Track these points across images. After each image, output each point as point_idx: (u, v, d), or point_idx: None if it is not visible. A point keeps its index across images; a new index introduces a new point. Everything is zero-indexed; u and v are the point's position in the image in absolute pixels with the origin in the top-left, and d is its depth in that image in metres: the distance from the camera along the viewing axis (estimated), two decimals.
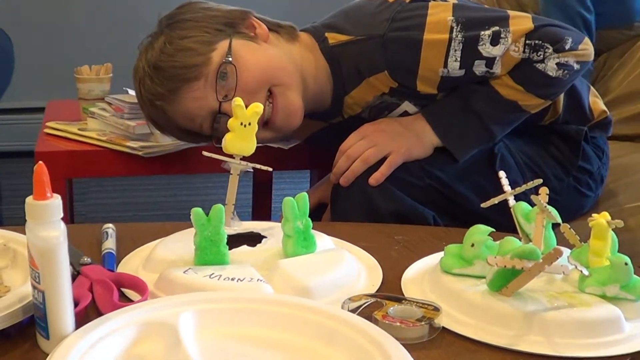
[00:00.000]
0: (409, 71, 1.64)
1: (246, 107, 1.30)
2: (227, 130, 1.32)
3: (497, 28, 1.60)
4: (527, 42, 1.60)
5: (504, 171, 1.66)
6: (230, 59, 1.60)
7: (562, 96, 1.78)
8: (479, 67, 1.62)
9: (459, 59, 1.61)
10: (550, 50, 1.60)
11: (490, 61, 1.61)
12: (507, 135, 1.74)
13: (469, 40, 1.60)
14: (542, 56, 1.61)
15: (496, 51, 1.60)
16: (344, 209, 1.63)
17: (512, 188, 1.58)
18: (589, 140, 1.84)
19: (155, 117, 1.70)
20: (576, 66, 1.63)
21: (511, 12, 1.64)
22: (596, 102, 1.88)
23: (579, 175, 1.82)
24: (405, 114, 1.71)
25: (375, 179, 1.58)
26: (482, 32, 1.60)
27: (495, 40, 1.60)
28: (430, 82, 1.65)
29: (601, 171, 1.87)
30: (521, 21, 1.62)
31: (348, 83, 1.71)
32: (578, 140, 1.81)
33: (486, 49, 1.60)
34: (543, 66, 1.61)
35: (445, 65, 1.61)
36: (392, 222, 1.55)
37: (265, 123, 1.65)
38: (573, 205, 1.81)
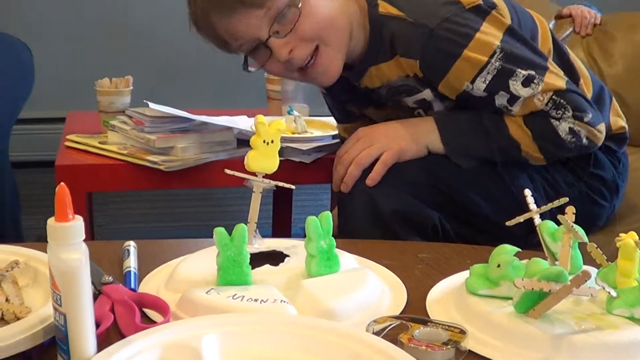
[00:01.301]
0: (437, 72, 1.65)
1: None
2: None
3: (533, 72, 1.62)
4: (553, 97, 1.62)
5: (510, 176, 1.68)
6: (299, 4, 1.61)
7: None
8: (501, 99, 1.63)
9: (487, 81, 1.61)
10: (570, 114, 1.63)
11: (513, 98, 1.63)
12: None
13: (504, 71, 1.61)
14: (560, 115, 1.63)
15: (523, 92, 1.62)
16: (349, 212, 1.64)
17: (520, 194, 1.58)
18: (603, 147, 1.83)
19: (198, 20, 1.76)
20: (585, 141, 1.66)
21: (551, 65, 1.66)
22: (617, 120, 1.88)
23: (591, 182, 1.82)
24: (423, 101, 1.71)
25: (372, 179, 1.61)
26: (519, 70, 1.61)
27: (527, 82, 1.61)
28: (452, 89, 1.66)
29: (617, 180, 1.86)
30: (556, 78, 1.64)
31: (381, 54, 1.71)
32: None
33: (516, 86, 1.61)
34: (557, 124, 1.64)
35: (473, 82, 1.62)
36: (396, 223, 1.56)
37: (300, 68, 1.68)
38: (587, 214, 1.79)
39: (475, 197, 1.66)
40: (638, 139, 2.50)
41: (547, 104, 1.62)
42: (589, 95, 1.83)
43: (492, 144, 1.66)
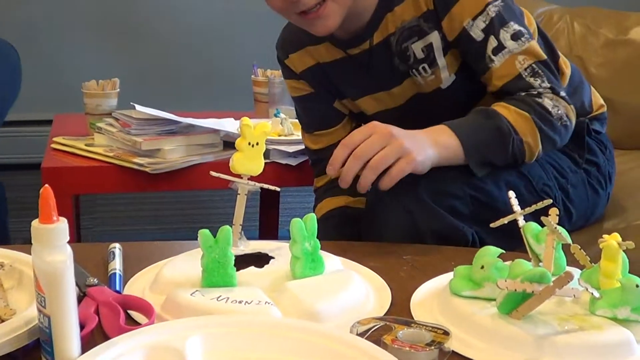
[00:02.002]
0: (447, 2, 1.67)
1: None
2: None
3: (524, 32, 1.66)
4: (533, 64, 1.64)
5: (528, 169, 1.67)
6: None
7: (561, 82, 1.81)
8: (490, 45, 1.65)
9: (486, 23, 1.64)
10: (547, 85, 1.64)
11: (499, 48, 1.65)
12: None
13: (499, 18, 1.65)
14: (538, 84, 1.64)
15: (510, 44, 1.64)
16: (385, 229, 1.57)
17: (539, 183, 1.57)
18: (591, 134, 1.87)
19: None
20: (566, 118, 1.65)
21: (536, 38, 1.70)
22: (596, 95, 1.93)
23: (588, 168, 1.84)
24: (430, 47, 1.70)
25: (385, 185, 1.46)
26: (511, 22, 1.65)
27: (515, 37, 1.64)
28: (454, 27, 1.67)
29: (607, 167, 1.89)
30: (540, 49, 1.67)
31: None
32: (582, 134, 1.84)
33: (505, 35, 1.64)
34: (540, 100, 1.63)
35: (474, 19, 1.65)
36: (432, 242, 1.54)
37: (301, 12, 1.65)
38: (588, 202, 1.82)
39: (502, 194, 1.64)
40: (626, 143, 2.51)
41: (526, 69, 1.63)
42: (568, 73, 1.88)
43: (508, 146, 1.60)
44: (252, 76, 2.65)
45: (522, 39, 1.65)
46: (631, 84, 2.63)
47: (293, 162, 2.12)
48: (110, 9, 3.73)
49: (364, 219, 1.64)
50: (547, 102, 1.62)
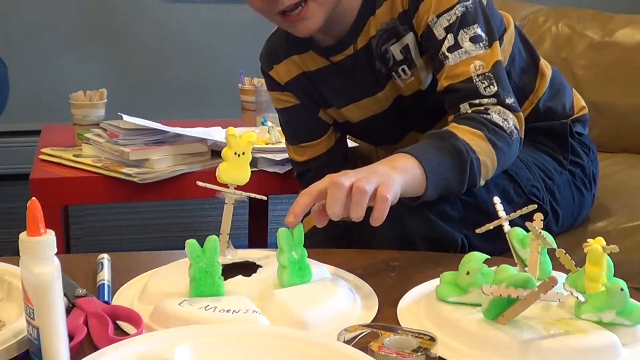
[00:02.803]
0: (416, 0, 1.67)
1: None
2: None
3: (484, 37, 1.64)
4: (487, 72, 1.62)
5: (516, 170, 1.67)
6: None
7: (542, 84, 1.84)
8: (448, 42, 1.64)
9: (449, 22, 1.64)
10: (495, 89, 1.61)
11: (455, 47, 1.63)
12: None
13: (463, 19, 1.64)
14: (483, 90, 1.62)
15: (467, 46, 1.63)
16: (375, 234, 1.56)
17: (527, 185, 1.57)
18: (574, 135, 1.87)
19: None
20: (515, 132, 1.61)
21: (497, 45, 1.67)
22: (577, 97, 1.93)
23: (573, 170, 1.85)
24: (407, 48, 1.71)
25: (377, 219, 1.31)
26: (475, 26, 1.64)
27: (474, 40, 1.63)
28: (419, 25, 1.67)
29: (591, 168, 1.90)
30: (499, 53, 1.66)
31: (377, 0, 1.72)
32: (564, 135, 1.85)
33: (464, 37, 1.63)
34: (488, 117, 1.59)
35: (439, 16, 1.64)
36: (422, 247, 1.55)
37: (282, 12, 1.64)
38: (574, 203, 1.82)
39: (491, 196, 1.64)
40: (608, 145, 2.52)
41: (478, 75, 1.62)
42: (549, 74, 1.88)
43: (466, 165, 1.53)
44: (239, 84, 2.65)
45: (481, 44, 1.63)
46: (616, 87, 2.64)
47: (280, 170, 2.13)
48: (98, 20, 3.74)
49: (355, 227, 1.63)
50: (496, 118, 1.59)
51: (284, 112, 1.96)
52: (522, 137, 1.65)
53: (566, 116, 1.89)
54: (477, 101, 1.61)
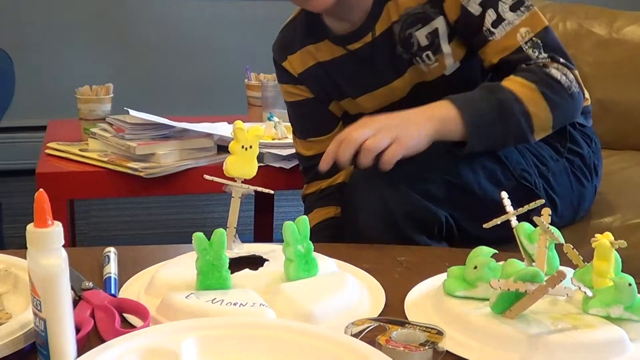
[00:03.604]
0: None
1: None
2: None
3: (524, 1, 1.65)
4: (533, 37, 1.64)
5: (506, 153, 1.67)
6: None
7: None
8: (488, 19, 1.65)
9: None
10: (544, 55, 1.63)
11: (499, 20, 1.64)
12: None
13: None
14: (536, 57, 1.64)
15: (509, 15, 1.64)
16: (359, 212, 1.60)
17: (516, 169, 1.57)
18: (575, 125, 1.86)
19: None
20: (575, 85, 1.64)
21: (537, 11, 1.68)
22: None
23: (571, 158, 1.83)
24: (435, 32, 1.70)
25: (382, 168, 1.49)
26: None
27: (514, 7, 1.64)
28: (453, 8, 1.67)
29: (592, 159, 1.88)
30: (541, 17, 1.67)
31: None
32: None
33: (504, 7, 1.64)
34: (547, 70, 1.62)
35: None
36: (408, 226, 1.55)
37: None
38: (573, 192, 1.81)
39: (483, 182, 1.65)
40: (614, 143, 2.51)
41: (526, 42, 1.64)
42: None
43: (511, 117, 1.59)
44: (246, 80, 2.65)
45: (522, 8, 1.64)
46: (623, 84, 2.63)
47: (286, 165, 2.13)
48: (104, 15, 3.74)
49: (343, 205, 1.67)
50: (554, 72, 1.62)
51: (294, 106, 1.96)
52: (584, 93, 1.67)
53: None
54: (532, 62, 1.64)
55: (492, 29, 1.64)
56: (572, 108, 1.67)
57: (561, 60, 1.65)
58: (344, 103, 1.88)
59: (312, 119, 1.94)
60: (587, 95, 1.93)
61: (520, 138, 1.63)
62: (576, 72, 1.66)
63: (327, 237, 1.75)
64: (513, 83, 1.60)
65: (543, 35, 1.66)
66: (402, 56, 1.74)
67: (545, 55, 1.64)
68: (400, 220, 1.55)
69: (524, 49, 1.64)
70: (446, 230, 1.62)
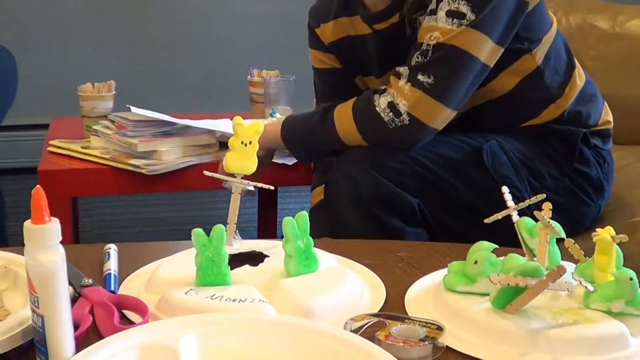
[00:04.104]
0: None
1: None
2: None
3: (467, 17, 1.61)
4: (436, 45, 1.63)
5: (495, 166, 1.67)
6: None
7: (571, 92, 1.82)
8: (431, 6, 1.65)
9: None
10: (415, 62, 1.63)
11: (432, 12, 1.64)
12: (500, 133, 1.77)
13: None
14: (412, 62, 1.64)
15: (440, 15, 1.62)
16: (333, 195, 1.68)
17: (504, 183, 1.57)
18: (590, 145, 1.84)
19: None
20: (405, 117, 1.63)
21: (479, 36, 1.63)
22: (607, 112, 1.90)
23: (575, 178, 1.82)
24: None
25: None
26: (464, 3, 1.61)
27: (450, 14, 1.61)
28: None
29: (602, 180, 1.86)
30: (466, 41, 1.62)
31: None
32: (575, 142, 1.81)
33: (444, 7, 1.62)
34: (376, 97, 1.66)
35: None
36: (377, 208, 1.59)
37: None
38: (573, 211, 1.80)
39: (455, 182, 1.67)
40: (622, 137, 2.50)
41: (427, 45, 1.63)
42: (580, 85, 1.85)
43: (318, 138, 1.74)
44: (248, 77, 2.64)
45: (455, 19, 1.60)
46: (626, 78, 2.63)
47: (289, 161, 2.12)
48: (106, 12, 3.73)
49: (325, 192, 1.76)
50: (382, 103, 1.64)
51: (320, 73, 2.00)
52: (423, 118, 1.63)
53: (587, 126, 1.85)
54: (401, 69, 1.65)
55: (426, 15, 1.65)
56: (390, 139, 1.66)
57: (418, 77, 1.62)
58: (368, 80, 1.89)
59: (336, 88, 1.97)
60: (610, 118, 1.91)
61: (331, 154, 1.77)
62: (423, 96, 1.63)
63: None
64: (342, 110, 1.71)
65: (444, 51, 1.62)
66: (411, 38, 1.74)
67: (415, 63, 1.64)
68: (372, 203, 1.60)
69: (420, 48, 1.63)
70: (422, 216, 1.64)
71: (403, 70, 1.63)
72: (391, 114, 1.62)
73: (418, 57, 1.63)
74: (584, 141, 1.82)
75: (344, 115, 1.68)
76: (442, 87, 1.62)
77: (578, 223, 1.82)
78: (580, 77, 1.86)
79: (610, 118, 1.91)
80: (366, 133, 1.66)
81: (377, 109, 1.64)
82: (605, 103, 1.94)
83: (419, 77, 1.61)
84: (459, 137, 1.74)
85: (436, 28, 1.62)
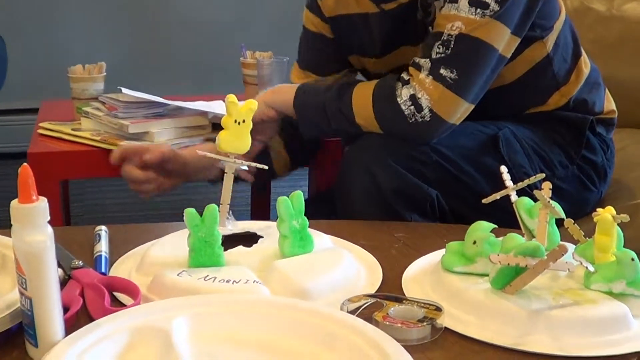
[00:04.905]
0: None
1: None
2: None
3: (490, 7, 1.56)
4: (458, 35, 1.57)
5: (510, 154, 1.65)
6: None
7: (577, 80, 1.79)
8: None
9: None
10: (438, 56, 1.58)
11: (453, 0, 1.58)
12: (511, 122, 1.74)
13: None
14: (433, 54, 1.59)
15: (462, 4, 1.57)
16: (348, 189, 1.61)
17: (519, 171, 1.55)
18: (596, 132, 1.83)
19: None
20: (426, 113, 1.58)
21: (500, 26, 1.59)
22: (609, 100, 1.88)
23: (582, 165, 1.80)
24: None
25: None
26: None
27: (473, 3, 1.56)
28: None
29: (605, 167, 1.85)
30: (488, 33, 1.58)
31: None
32: (582, 129, 1.79)
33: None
34: (399, 85, 1.60)
35: None
36: (396, 202, 1.54)
37: None
38: (577, 197, 1.78)
39: (472, 172, 1.64)
40: (619, 120, 2.48)
41: (449, 35, 1.58)
42: (586, 72, 1.83)
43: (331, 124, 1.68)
44: (241, 58, 2.62)
45: (479, 9, 1.56)
46: (623, 60, 2.61)
47: None
48: None
49: (336, 183, 1.67)
50: (404, 93, 1.58)
51: (311, 37, 1.95)
52: (438, 116, 1.59)
53: (592, 113, 1.83)
54: (421, 60, 1.59)
55: (447, 2, 1.59)
56: (408, 133, 1.60)
57: (441, 71, 1.58)
58: (366, 61, 1.87)
59: (321, 57, 1.93)
60: (613, 107, 1.89)
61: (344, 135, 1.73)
62: (456, 99, 1.58)
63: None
64: (361, 92, 1.64)
65: (467, 43, 1.57)
66: (422, 21, 1.70)
67: (438, 57, 1.58)
68: (389, 196, 1.55)
69: (441, 38, 1.58)
70: (440, 209, 1.61)
71: (424, 62, 1.59)
72: (412, 107, 1.58)
73: (439, 48, 1.58)
74: (590, 129, 1.81)
75: (363, 98, 1.63)
76: (465, 82, 1.58)
77: (580, 209, 1.80)
78: (586, 65, 1.84)
79: (614, 107, 1.90)
80: (384, 122, 1.61)
81: (399, 99, 1.58)
82: (607, 91, 1.92)
83: (442, 71, 1.57)
84: (473, 125, 1.71)
85: (458, 17, 1.58)
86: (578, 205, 1.78)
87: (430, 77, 1.56)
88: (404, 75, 1.60)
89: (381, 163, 1.55)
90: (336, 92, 1.66)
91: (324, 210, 1.73)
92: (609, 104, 1.90)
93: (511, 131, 1.71)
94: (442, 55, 1.57)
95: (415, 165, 1.57)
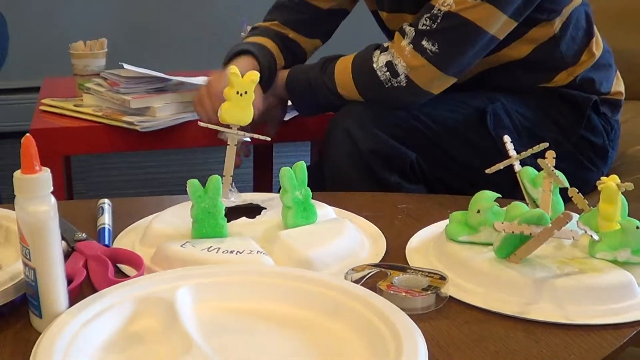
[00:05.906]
0: None
1: None
2: None
3: None
4: (444, 10, 1.58)
5: (497, 130, 1.65)
6: None
7: (586, 61, 1.78)
8: None
9: None
10: (423, 28, 1.59)
11: None
12: (506, 95, 1.74)
13: None
14: (419, 24, 1.60)
15: None
16: (330, 149, 1.66)
17: (505, 147, 1.55)
18: (600, 112, 1.81)
19: None
20: (402, 79, 1.62)
21: (495, 11, 1.58)
22: (619, 83, 1.87)
23: (580, 145, 1.79)
24: None
25: None
26: None
27: None
28: None
29: (607, 147, 1.83)
30: (479, 15, 1.58)
31: None
32: (584, 108, 1.78)
33: None
34: (375, 59, 1.64)
35: None
36: (373, 162, 1.58)
37: None
38: (575, 177, 1.77)
39: (455, 142, 1.65)
40: (626, 92, 2.47)
41: (438, 9, 1.59)
42: (597, 55, 1.81)
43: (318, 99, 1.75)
44: (242, 33, 2.61)
45: None
46: (626, 32, 2.59)
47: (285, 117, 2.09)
48: None
49: (322, 150, 1.74)
50: (382, 60, 1.63)
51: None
52: (420, 83, 1.62)
53: (598, 93, 1.82)
54: (407, 27, 1.62)
55: None
56: (384, 97, 1.65)
57: (422, 42, 1.59)
58: (382, 14, 1.86)
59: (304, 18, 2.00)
60: (621, 89, 1.88)
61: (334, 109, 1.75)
62: (435, 71, 1.60)
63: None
64: (342, 64, 1.70)
65: (453, 21, 1.58)
66: None
67: (423, 28, 1.59)
68: (369, 158, 1.59)
69: (430, 10, 1.59)
70: (422, 173, 1.62)
71: (409, 30, 1.60)
72: (388, 73, 1.60)
73: (426, 21, 1.59)
74: (593, 108, 1.79)
75: (344, 69, 1.67)
76: (445, 57, 1.60)
77: (579, 188, 1.79)
78: (597, 47, 1.82)
79: (622, 89, 1.89)
80: (362, 89, 1.66)
81: (375, 65, 1.62)
82: (618, 73, 1.91)
83: (424, 42, 1.59)
84: (462, 97, 1.71)
85: None
86: (577, 185, 1.77)
87: (411, 45, 1.60)
88: (385, 43, 1.65)
89: (360, 126, 1.60)
90: (320, 67, 1.72)
91: (321, 180, 1.75)
92: (618, 86, 1.88)
93: (503, 105, 1.71)
94: (427, 28, 1.59)
95: (395, 131, 1.61)
